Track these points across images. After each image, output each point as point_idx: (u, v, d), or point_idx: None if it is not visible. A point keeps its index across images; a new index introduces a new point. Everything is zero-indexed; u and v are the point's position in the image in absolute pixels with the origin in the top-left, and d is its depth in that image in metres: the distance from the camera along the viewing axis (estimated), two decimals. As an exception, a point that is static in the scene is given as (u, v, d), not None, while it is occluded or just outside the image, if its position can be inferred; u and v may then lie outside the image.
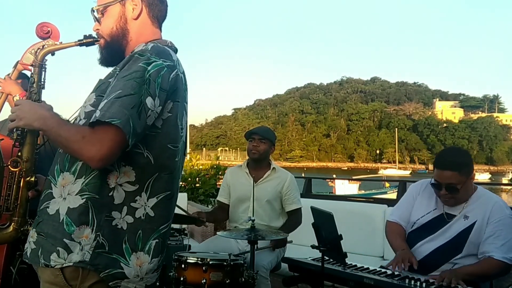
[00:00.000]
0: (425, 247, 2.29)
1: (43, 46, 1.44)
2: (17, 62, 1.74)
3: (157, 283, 1.42)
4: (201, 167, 6.18)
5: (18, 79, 2.17)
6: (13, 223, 1.36)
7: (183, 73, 1.40)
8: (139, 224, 1.28)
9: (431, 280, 2.01)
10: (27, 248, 1.29)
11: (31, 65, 1.44)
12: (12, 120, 1.29)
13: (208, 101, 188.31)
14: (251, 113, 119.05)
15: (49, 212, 1.26)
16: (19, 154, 1.35)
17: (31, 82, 1.43)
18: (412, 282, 1.98)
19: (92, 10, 1.42)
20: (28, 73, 1.63)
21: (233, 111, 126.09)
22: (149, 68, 1.22)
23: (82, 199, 1.23)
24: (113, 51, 1.42)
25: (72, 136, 1.19)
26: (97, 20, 1.43)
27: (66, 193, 1.25)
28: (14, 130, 1.36)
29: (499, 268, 2.12)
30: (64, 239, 1.22)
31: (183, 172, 6.01)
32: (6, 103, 2.39)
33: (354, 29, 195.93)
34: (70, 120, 1.39)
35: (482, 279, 2.17)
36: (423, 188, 2.44)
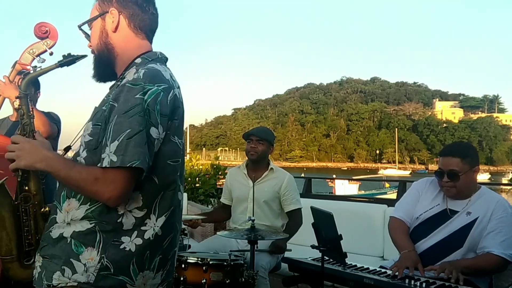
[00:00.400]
0: (427, 242, 2.29)
1: (23, 76, 1.43)
2: (16, 62, 1.74)
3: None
4: (201, 167, 6.18)
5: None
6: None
7: (178, 87, 1.38)
8: (147, 244, 1.28)
9: (431, 280, 2.02)
10: (35, 273, 1.30)
11: (16, 97, 1.42)
12: (12, 160, 1.27)
13: (208, 101, 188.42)
14: (251, 113, 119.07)
15: (53, 236, 1.27)
16: (26, 188, 1.36)
17: (20, 114, 1.41)
18: (412, 282, 1.98)
19: (79, 27, 1.41)
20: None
21: (233, 111, 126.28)
22: (145, 97, 1.20)
23: (91, 224, 1.24)
24: (102, 66, 1.41)
25: (85, 179, 1.19)
26: (87, 36, 1.42)
27: (69, 219, 1.25)
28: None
29: (498, 264, 2.13)
30: (71, 259, 1.23)
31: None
32: (7, 102, 2.39)
33: (354, 29, 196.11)
34: (71, 146, 1.40)
35: (480, 273, 2.18)
36: (428, 185, 2.45)
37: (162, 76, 1.30)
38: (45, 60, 1.53)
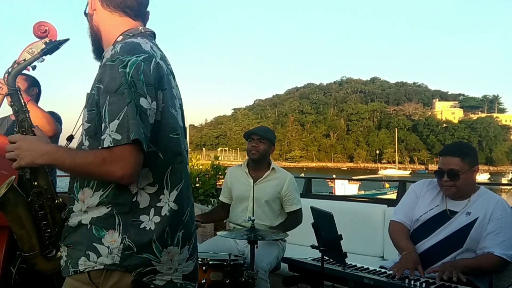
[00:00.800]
0: (428, 242, 2.30)
1: (8, 71, 1.40)
2: (15, 62, 1.73)
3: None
4: (201, 167, 6.17)
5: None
6: (60, 249, 1.37)
7: (162, 57, 1.37)
8: (165, 221, 1.29)
9: (431, 280, 2.02)
10: (62, 263, 1.31)
11: (6, 94, 1.41)
12: (13, 160, 1.27)
13: (207, 101, 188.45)
14: (250, 113, 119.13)
15: (71, 224, 1.30)
16: (36, 184, 1.36)
17: (15, 111, 1.41)
18: (412, 282, 1.98)
19: (85, 13, 1.46)
20: (26, 72, 1.62)
21: (233, 111, 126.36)
22: (127, 70, 1.20)
23: (107, 208, 1.25)
24: (95, 46, 1.46)
25: (92, 162, 1.18)
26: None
27: (85, 207, 1.27)
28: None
29: (498, 264, 2.14)
30: (94, 243, 1.24)
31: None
32: (5, 102, 2.39)
33: (354, 29, 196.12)
34: (74, 135, 1.41)
35: (480, 273, 2.18)
36: (426, 186, 2.46)
37: (141, 47, 1.29)
38: (44, 59, 1.52)
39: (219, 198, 3.30)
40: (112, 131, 1.16)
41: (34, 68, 1.52)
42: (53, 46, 1.40)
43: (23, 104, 1.42)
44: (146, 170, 1.26)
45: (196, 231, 1.45)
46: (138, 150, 1.18)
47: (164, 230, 1.28)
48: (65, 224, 1.33)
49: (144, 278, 1.26)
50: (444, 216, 2.30)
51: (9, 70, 1.40)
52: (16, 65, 1.41)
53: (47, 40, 1.51)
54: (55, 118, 2.61)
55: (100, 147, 1.19)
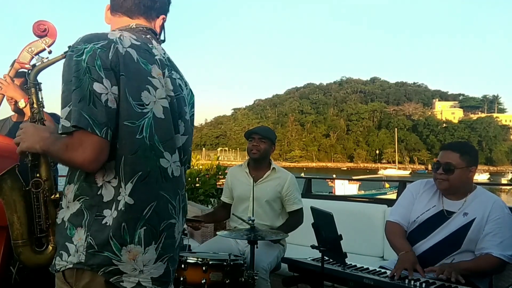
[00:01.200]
0: (426, 244, 2.30)
1: (33, 66, 1.44)
2: (14, 61, 1.73)
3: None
4: (201, 167, 6.17)
5: (16, 78, 2.17)
6: (50, 243, 1.38)
7: (135, 46, 1.32)
8: (120, 216, 1.22)
9: (431, 281, 2.02)
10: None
11: (26, 87, 1.45)
12: (17, 143, 1.32)
13: (207, 101, 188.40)
14: (250, 113, 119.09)
15: (57, 221, 1.31)
16: (37, 175, 1.37)
17: (30, 103, 1.43)
18: (412, 282, 1.98)
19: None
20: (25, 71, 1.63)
21: (233, 111, 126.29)
22: (83, 57, 1.21)
23: (79, 203, 1.25)
24: None
25: (60, 150, 1.21)
26: None
27: (67, 202, 1.29)
28: (27, 154, 1.36)
29: (496, 265, 2.15)
30: (66, 243, 1.25)
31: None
32: (5, 101, 2.39)
33: (354, 29, 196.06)
34: None
35: (479, 275, 2.18)
36: (422, 187, 2.46)
37: (104, 36, 1.28)
38: (44, 58, 1.52)
39: (221, 198, 3.31)
40: (62, 117, 1.19)
41: (34, 67, 1.52)
42: None
43: (40, 98, 1.45)
44: (112, 162, 1.23)
45: (175, 230, 1.36)
46: (93, 135, 1.16)
47: (120, 226, 1.22)
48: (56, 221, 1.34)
49: (111, 278, 1.23)
50: (441, 217, 2.30)
51: (33, 65, 1.43)
52: (41, 61, 1.43)
53: (46, 39, 1.51)
54: (55, 119, 2.61)
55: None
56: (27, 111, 2.24)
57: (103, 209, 1.23)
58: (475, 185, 2.35)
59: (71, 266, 1.23)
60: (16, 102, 2.40)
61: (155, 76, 1.33)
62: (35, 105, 1.42)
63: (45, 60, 1.42)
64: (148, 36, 1.43)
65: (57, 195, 1.38)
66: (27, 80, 2.78)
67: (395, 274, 2.08)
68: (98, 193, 1.24)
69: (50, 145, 1.24)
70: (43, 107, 1.45)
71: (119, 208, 1.23)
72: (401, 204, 2.49)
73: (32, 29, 1.51)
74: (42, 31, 1.50)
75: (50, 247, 1.37)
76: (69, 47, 1.32)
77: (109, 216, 1.23)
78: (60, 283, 1.27)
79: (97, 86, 1.19)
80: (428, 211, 2.34)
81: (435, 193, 2.38)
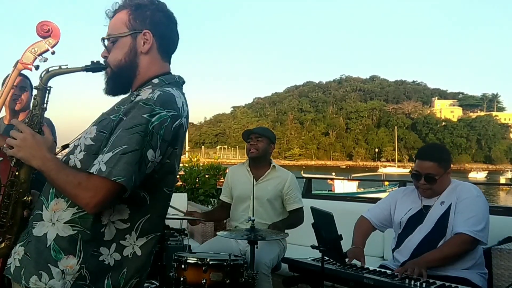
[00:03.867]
0: (413, 240, 2.36)
1: (48, 69, 1.40)
2: (17, 62, 1.73)
3: (157, 283, 1.43)
4: (201, 166, 6.17)
5: (19, 77, 2.16)
6: (6, 241, 1.36)
7: (187, 116, 1.38)
8: (125, 262, 1.28)
9: (431, 281, 2.02)
10: (11, 263, 1.30)
11: (35, 88, 1.41)
12: (11, 146, 1.28)
13: (207, 99, 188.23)
14: (250, 111, 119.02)
15: (35, 233, 1.27)
16: (17, 174, 1.35)
17: (34, 104, 1.40)
18: (412, 282, 1.98)
19: (103, 39, 1.40)
20: (27, 72, 1.62)
21: (232, 109, 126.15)
22: (153, 120, 1.22)
23: (73, 230, 1.24)
24: (120, 82, 1.40)
25: (69, 182, 1.20)
26: (106, 47, 1.41)
27: (55, 219, 1.26)
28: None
29: (463, 243, 2.19)
30: (49, 264, 1.22)
31: (183, 172, 6.05)
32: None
33: (353, 28, 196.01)
34: (69, 145, 1.39)
35: (451, 260, 2.22)
36: (402, 193, 2.60)
37: (175, 102, 1.30)
38: (47, 59, 1.52)
39: (220, 197, 3.31)
40: (102, 161, 1.18)
41: (37, 68, 1.52)
42: (97, 68, 1.39)
43: (45, 102, 1.41)
44: (124, 206, 1.26)
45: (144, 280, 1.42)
46: (115, 191, 1.19)
47: (121, 271, 1.27)
48: (29, 228, 1.30)
49: None
50: (421, 213, 2.40)
51: (49, 69, 1.39)
52: (59, 68, 1.39)
53: (50, 40, 1.50)
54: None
55: (87, 170, 1.21)
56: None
57: (100, 246, 1.25)
58: (451, 180, 2.44)
59: None
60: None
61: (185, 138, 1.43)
62: (37, 108, 1.39)
63: (63, 67, 1.38)
64: (182, 88, 1.44)
65: (29, 198, 1.36)
66: (25, 80, 2.75)
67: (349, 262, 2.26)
68: (101, 230, 1.25)
69: (53, 170, 1.23)
70: (46, 110, 1.42)
71: (125, 254, 1.28)
72: (378, 205, 2.66)
73: (35, 29, 1.50)
74: (46, 31, 1.49)
75: (3, 244, 1.35)
76: (92, 62, 1.35)
77: (108, 255, 1.26)
78: None
79: (150, 153, 1.22)
80: (409, 211, 2.45)
81: (415, 196, 2.48)
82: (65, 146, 1.42)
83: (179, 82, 1.43)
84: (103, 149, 1.22)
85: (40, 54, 1.53)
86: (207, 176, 5.94)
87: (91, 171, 1.19)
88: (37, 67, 1.51)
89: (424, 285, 1.95)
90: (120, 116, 1.26)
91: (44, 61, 1.52)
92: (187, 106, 1.39)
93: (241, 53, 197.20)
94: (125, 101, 1.36)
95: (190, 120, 1.53)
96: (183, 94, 1.40)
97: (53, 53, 1.51)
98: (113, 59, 1.38)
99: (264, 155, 3.07)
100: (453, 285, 1.98)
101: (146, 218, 1.31)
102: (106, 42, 1.41)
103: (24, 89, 2.68)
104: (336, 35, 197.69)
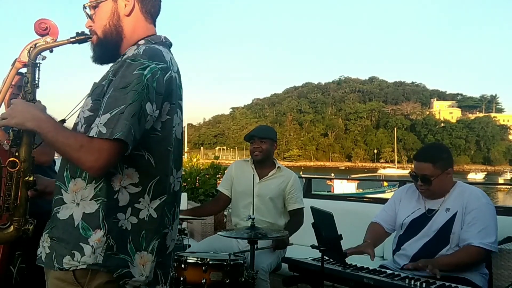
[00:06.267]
0: (414, 245, 2.34)
1: (35, 44, 1.42)
2: (15, 60, 1.72)
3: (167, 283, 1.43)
4: (201, 166, 6.17)
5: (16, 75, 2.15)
6: (14, 223, 1.36)
7: (177, 72, 1.39)
8: (142, 224, 1.30)
9: (431, 281, 2.02)
10: (41, 253, 1.31)
11: (24, 65, 1.42)
12: (4, 119, 1.29)
13: (206, 100, 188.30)
14: (249, 112, 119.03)
15: (60, 217, 1.28)
16: (17, 154, 1.35)
17: (25, 81, 1.41)
18: (412, 282, 1.98)
19: (84, 7, 1.41)
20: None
21: (231, 110, 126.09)
22: (145, 72, 1.23)
23: (97, 204, 1.25)
24: (107, 48, 1.40)
25: (70, 144, 1.20)
26: (90, 16, 1.42)
27: (79, 199, 1.27)
28: (10, 130, 1.34)
29: (477, 255, 2.18)
30: (80, 243, 1.24)
31: (183, 172, 6.03)
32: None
33: (352, 29, 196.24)
34: (66, 119, 1.39)
35: (461, 268, 2.21)
36: (405, 191, 2.56)
37: (162, 55, 1.31)
38: (45, 57, 1.52)
39: (218, 188, 3.29)
40: (101, 123, 1.19)
41: (36, 45, 1.52)
42: (82, 39, 1.40)
43: (36, 78, 1.42)
44: (132, 170, 1.28)
45: (167, 238, 1.42)
46: (118, 150, 1.19)
47: (140, 233, 1.29)
48: (53, 214, 1.31)
49: (121, 281, 1.27)
50: (425, 217, 2.36)
51: (36, 44, 1.41)
52: (46, 42, 1.41)
53: (48, 38, 1.50)
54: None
55: (86, 134, 1.21)
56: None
57: (117, 212, 1.27)
58: (455, 181, 2.41)
59: (84, 266, 1.23)
60: None
61: (181, 99, 1.41)
62: (29, 85, 1.39)
63: (49, 41, 1.40)
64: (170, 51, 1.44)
65: (31, 178, 1.36)
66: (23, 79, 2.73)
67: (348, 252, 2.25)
68: (115, 197, 1.26)
69: (51, 131, 1.23)
70: (38, 87, 1.43)
71: (141, 217, 1.30)
72: (384, 208, 2.65)
73: (33, 27, 1.50)
74: (44, 29, 1.49)
75: (11, 227, 1.36)
76: (77, 33, 1.36)
77: (124, 220, 1.27)
78: (62, 283, 1.26)
79: (148, 107, 1.23)
80: (412, 214, 2.42)
81: (418, 197, 2.45)
82: (62, 121, 1.42)
83: (165, 43, 1.44)
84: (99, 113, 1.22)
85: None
86: (207, 176, 5.94)
87: (91, 134, 1.19)
88: (35, 46, 1.51)
89: (424, 285, 1.95)
90: (110, 77, 1.27)
91: (43, 59, 1.52)
92: (176, 63, 1.39)
93: (240, 54, 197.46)
94: (113, 65, 1.36)
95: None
96: (171, 53, 1.40)
97: (51, 51, 1.51)
98: (98, 25, 1.40)
99: (268, 156, 3.09)
100: (453, 285, 1.98)
101: (156, 180, 1.31)
102: (89, 12, 1.42)
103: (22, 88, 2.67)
104: (335, 36, 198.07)
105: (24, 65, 1.42)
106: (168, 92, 1.30)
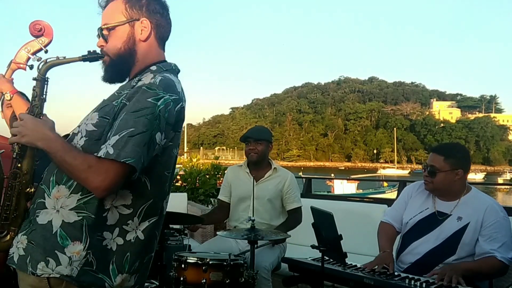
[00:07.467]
0: (420, 248, 2.31)
1: (46, 60, 1.42)
2: (11, 61, 1.73)
3: (157, 283, 1.45)
4: (201, 167, 6.16)
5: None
6: (11, 232, 1.37)
7: (185, 101, 1.42)
8: (128, 247, 1.31)
9: (431, 280, 2.02)
10: (13, 253, 1.30)
11: (34, 79, 1.43)
12: (14, 135, 1.30)
13: (205, 100, 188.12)
14: (248, 112, 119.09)
15: (39, 221, 1.28)
16: (19, 165, 1.36)
17: (33, 96, 1.42)
18: (412, 282, 1.98)
19: (100, 29, 1.42)
20: (21, 72, 1.62)
21: (231, 110, 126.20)
22: (158, 103, 1.25)
23: (78, 216, 1.25)
24: (119, 70, 1.43)
25: (78, 165, 1.21)
26: (103, 37, 1.42)
27: (59, 206, 1.27)
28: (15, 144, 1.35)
29: (498, 268, 2.16)
30: (56, 251, 1.24)
31: (183, 172, 6.04)
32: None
33: (352, 29, 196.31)
34: (69, 134, 1.40)
35: (480, 276, 2.19)
36: (416, 189, 2.50)
37: (175, 87, 1.35)
38: (41, 58, 1.52)
39: (218, 197, 3.30)
40: (109, 144, 1.21)
41: (31, 67, 1.53)
42: (94, 57, 1.41)
43: (44, 93, 1.43)
44: (127, 192, 1.29)
45: (150, 262, 1.43)
46: (124, 173, 1.21)
47: (124, 255, 1.30)
48: (31, 217, 1.31)
49: None
50: (434, 219, 2.32)
51: (47, 60, 1.41)
52: (56, 58, 1.41)
53: (43, 39, 1.51)
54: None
55: (95, 154, 1.22)
56: (15, 105, 2.23)
57: (104, 230, 1.27)
58: (470, 186, 2.36)
59: (57, 276, 1.23)
60: (2, 95, 2.41)
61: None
62: (37, 99, 1.40)
63: (61, 58, 1.40)
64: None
65: (32, 190, 1.37)
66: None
67: (366, 267, 2.19)
68: (104, 214, 1.27)
69: (60, 151, 1.24)
70: (45, 101, 1.43)
71: (127, 239, 1.30)
72: (394, 206, 2.60)
73: (28, 29, 1.51)
74: (38, 30, 1.50)
75: (8, 236, 1.36)
76: (89, 51, 1.37)
77: (111, 240, 1.28)
78: (38, 282, 1.25)
79: (158, 136, 1.26)
80: (421, 213, 2.37)
81: (429, 195, 2.41)
82: (65, 137, 1.42)
83: (175, 70, 1.47)
84: (107, 134, 1.24)
85: (34, 53, 1.54)
86: (207, 176, 5.94)
87: (99, 155, 1.20)
88: (31, 67, 1.52)
89: (424, 285, 1.95)
90: (123, 101, 1.28)
91: (38, 60, 1.52)
92: (184, 93, 1.42)
93: (240, 54, 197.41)
94: (125, 87, 1.39)
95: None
96: (179, 81, 1.44)
97: (46, 51, 1.52)
98: (112, 47, 1.41)
99: (263, 157, 3.09)
100: (453, 285, 1.98)
101: (148, 203, 1.33)
102: (103, 33, 1.42)
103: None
104: (334, 36, 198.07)
105: (34, 79, 1.43)
106: (177, 121, 1.34)
